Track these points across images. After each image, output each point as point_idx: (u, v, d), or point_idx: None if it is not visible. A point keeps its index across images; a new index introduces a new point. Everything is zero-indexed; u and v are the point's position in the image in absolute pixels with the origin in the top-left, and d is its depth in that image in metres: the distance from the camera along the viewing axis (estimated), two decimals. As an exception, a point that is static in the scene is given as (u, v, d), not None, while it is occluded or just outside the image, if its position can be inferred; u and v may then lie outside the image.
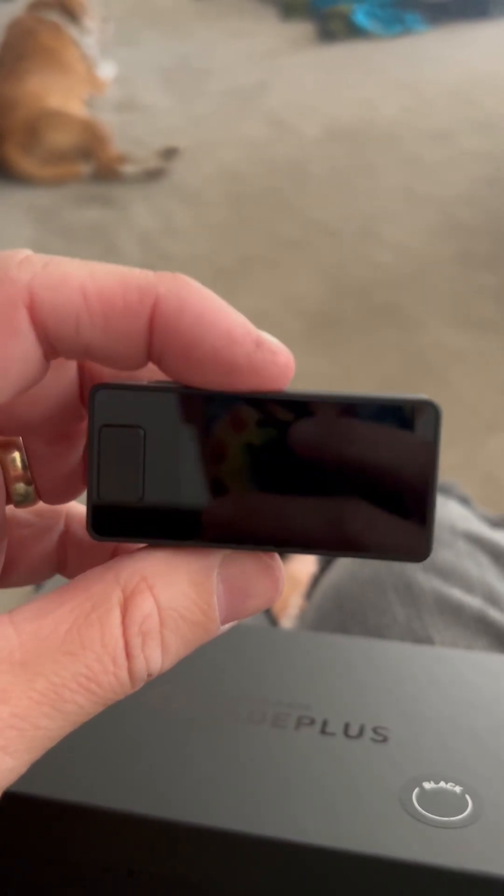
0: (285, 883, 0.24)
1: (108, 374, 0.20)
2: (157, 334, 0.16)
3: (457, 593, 0.42)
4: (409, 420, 0.17)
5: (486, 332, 1.39)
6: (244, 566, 0.17)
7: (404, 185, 1.81)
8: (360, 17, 2.58)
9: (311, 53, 2.52)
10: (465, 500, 0.52)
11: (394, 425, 0.17)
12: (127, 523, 0.17)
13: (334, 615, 0.43)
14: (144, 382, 0.18)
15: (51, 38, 2.07)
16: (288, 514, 0.17)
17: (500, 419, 1.22)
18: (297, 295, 1.50)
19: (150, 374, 0.18)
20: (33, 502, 0.21)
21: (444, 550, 0.45)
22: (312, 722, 0.28)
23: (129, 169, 1.90)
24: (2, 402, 0.17)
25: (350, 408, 0.17)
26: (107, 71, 2.30)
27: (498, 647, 0.40)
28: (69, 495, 0.22)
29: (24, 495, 0.21)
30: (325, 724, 0.28)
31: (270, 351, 0.16)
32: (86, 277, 0.16)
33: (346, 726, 0.27)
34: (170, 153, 1.95)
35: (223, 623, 0.17)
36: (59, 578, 0.23)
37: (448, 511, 0.49)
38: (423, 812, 0.24)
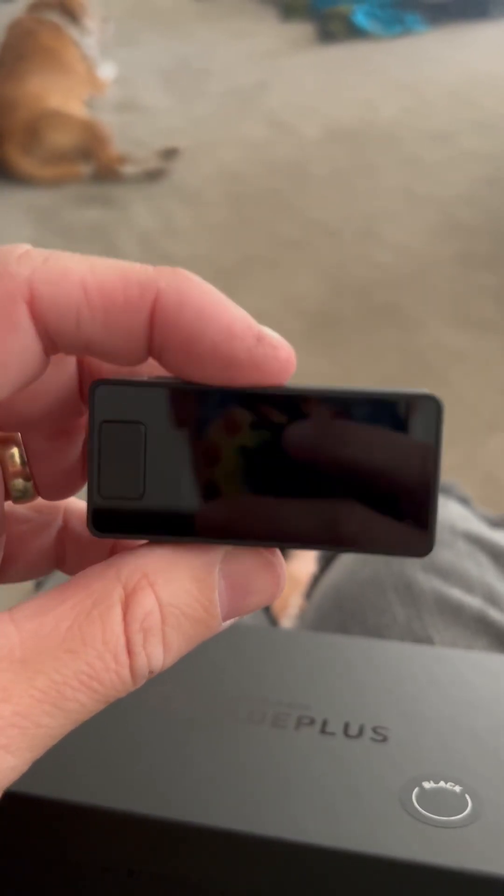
0: (285, 882, 0.24)
1: (107, 369, 0.19)
2: (158, 329, 0.16)
3: (457, 593, 0.42)
4: (411, 414, 0.16)
5: (486, 332, 1.39)
6: (246, 562, 0.17)
7: (404, 186, 1.81)
8: (360, 18, 2.58)
9: (311, 54, 2.52)
10: (465, 501, 0.52)
11: (396, 419, 0.17)
12: (127, 520, 0.17)
13: (334, 615, 0.43)
14: (145, 378, 0.18)
15: (51, 39, 2.07)
16: (290, 510, 0.17)
17: (500, 419, 1.22)
18: (297, 295, 1.50)
19: (151, 369, 0.18)
20: (32, 498, 0.21)
21: (444, 550, 0.45)
22: (312, 722, 0.28)
23: (129, 169, 1.90)
24: (1, 397, 0.17)
25: (352, 403, 0.17)
26: (107, 71, 2.30)
27: (498, 647, 0.40)
28: (68, 491, 0.22)
29: (22, 491, 0.21)
30: (324, 723, 0.28)
31: (271, 346, 0.16)
32: (86, 272, 0.16)
33: (346, 726, 0.27)
34: (170, 153, 1.95)
35: (225, 619, 0.17)
36: (60, 576, 0.23)
37: (448, 511, 0.49)
38: (423, 812, 0.24)
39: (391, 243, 1.63)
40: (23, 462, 0.21)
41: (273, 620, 0.51)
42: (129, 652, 0.16)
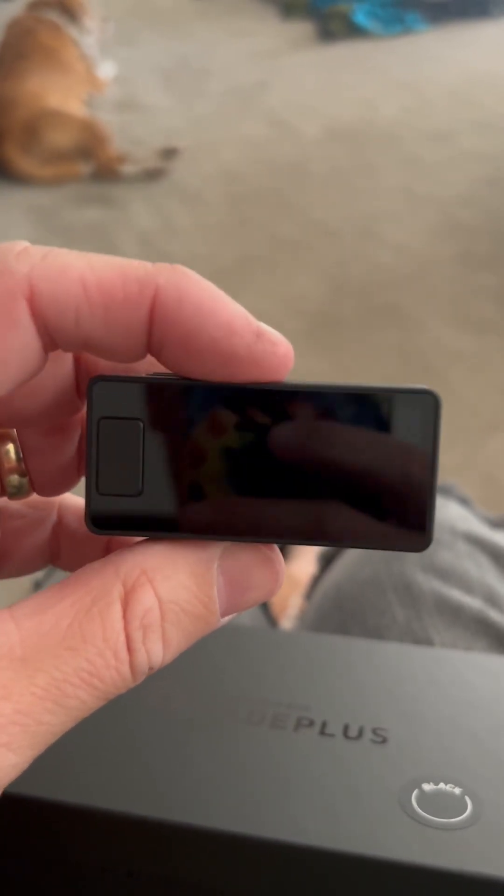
0: (284, 884, 0.24)
1: (104, 366, 0.19)
2: (157, 325, 0.16)
3: (456, 594, 0.42)
4: (410, 409, 0.17)
5: (486, 333, 1.39)
6: (244, 558, 0.17)
7: (404, 186, 1.81)
8: (361, 17, 2.57)
9: (312, 53, 2.52)
10: (464, 501, 0.52)
11: (395, 414, 0.17)
12: (126, 516, 0.17)
13: (334, 616, 0.43)
14: (143, 374, 0.17)
15: (50, 38, 2.06)
16: (288, 506, 0.17)
17: (500, 419, 1.22)
18: (297, 295, 1.50)
19: (149, 366, 0.18)
20: (27, 494, 0.21)
21: (444, 551, 0.45)
22: (312, 723, 0.28)
23: (128, 169, 1.90)
24: (2, 393, 0.17)
25: (351, 398, 0.17)
26: (106, 71, 2.30)
27: (497, 648, 0.40)
28: (63, 487, 0.22)
29: (17, 487, 0.21)
30: (324, 725, 0.27)
31: (270, 342, 0.16)
32: (85, 269, 0.16)
33: (346, 727, 0.27)
34: (169, 153, 1.95)
35: (223, 616, 0.17)
36: (60, 576, 0.23)
37: (448, 512, 0.49)
38: (423, 813, 0.24)
39: (391, 243, 1.63)
40: (18, 458, 0.21)
41: (273, 621, 0.51)
42: (129, 649, 0.16)
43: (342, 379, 1.38)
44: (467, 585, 0.43)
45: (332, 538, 0.17)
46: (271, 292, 1.51)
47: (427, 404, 0.17)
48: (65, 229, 1.76)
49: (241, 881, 0.25)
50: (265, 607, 0.51)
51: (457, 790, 0.25)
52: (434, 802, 0.25)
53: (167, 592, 0.16)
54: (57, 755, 0.21)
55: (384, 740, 0.27)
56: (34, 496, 0.22)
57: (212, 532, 0.17)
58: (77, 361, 0.20)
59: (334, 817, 0.24)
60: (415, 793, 0.25)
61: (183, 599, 0.16)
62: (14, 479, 0.21)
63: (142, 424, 0.17)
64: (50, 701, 0.15)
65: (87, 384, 0.17)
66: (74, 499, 0.23)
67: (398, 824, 0.24)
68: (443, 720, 0.28)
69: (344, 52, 2.49)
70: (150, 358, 0.17)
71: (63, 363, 0.20)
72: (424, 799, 0.25)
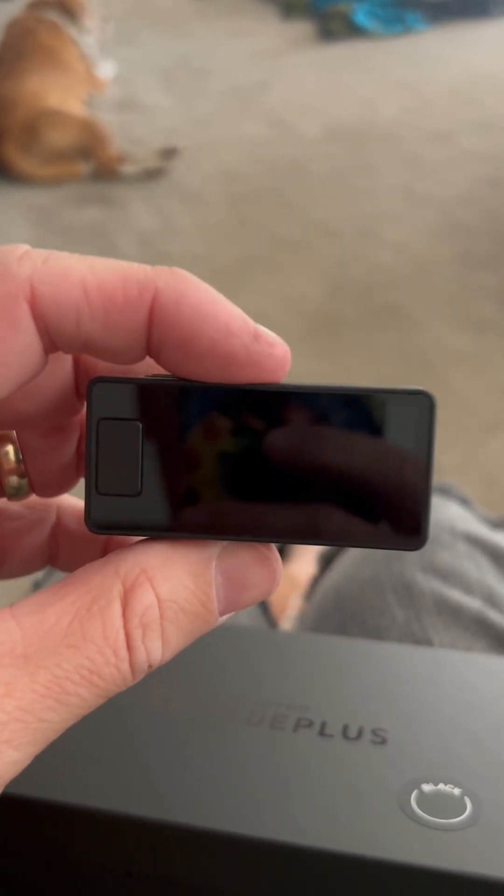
0: (283, 885, 0.24)
1: (103, 368, 0.20)
2: (156, 327, 0.16)
3: (456, 595, 0.42)
4: (406, 409, 0.17)
5: (486, 333, 1.39)
6: (241, 557, 0.17)
7: (404, 185, 1.81)
8: (361, 17, 2.57)
9: (312, 53, 2.51)
10: (464, 502, 0.52)
11: (391, 415, 0.17)
12: (125, 516, 0.17)
13: (333, 616, 0.43)
14: (142, 376, 0.18)
15: (50, 38, 2.06)
16: (285, 505, 0.17)
17: (500, 419, 1.22)
18: (297, 295, 1.50)
19: (147, 368, 0.18)
20: (26, 495, 0.21)
21: (444, 552, 0.45)
22: (311, 724, 0.28)
23: (128, 169, 1.90)
24: (3, 395, 0.17)
25: (346, 399, 0.17)
26: (106, 70, 2.30)
27: (497, 649, 0.40)
28: (62, 488, 0.22)
29: (16, 488, 0.21)
30: (323, 725, 0.27)
31: (268, 343, 0.17)
32: (86, 272, 0.16)
33: (345, 728, 0.27)
34: (169, 153, 1.95)
35: (221, 614, 0.17)
36: (60, 575, 0.23)
37: (448, 512, 0.49)
38: (422, 814, 0.24)
39: (391, 243, 1.63)
40: (17, 459, 0.21)
41: (272, 622, 0.51)
42: (129, 647, 0.16)
43: (342, 379, 1.38)
44: (467, 586, 0.43)
45: (327, 537, 0.17)
46: (271, 292, 1.51)
47: (422, 405, 0.17)
48: (64, 229, 1.76)
49: (240, 881, 0.25)
50: (265, 608, 0.51)
51: (456, 791, 0.25)
52: (433, 803, 0.25)
53: (166, 591, 0.17)
54: (57, 756, 0.21)
55: (383, 741, 0.27)
56: (33, 497, 0.22)
57: (210, 532, 0.17)
58: (76, 363, 0.20)
59: (333, 818, 0.24)
60: (414, 793, 0.25)
61: (182, 598, 0.17)
62: (13, 480, 0.21)
63: (141, 425, 0.17)
64: (51, 698, 0.16)
65: (87, 385, 0.17)
66: (72, 500, 0.23)
67: (397, 825, 0.24)
68: (442, 721, 0.28)
69: (344, 52, 2.49)
70: (148, 360, 0.17)
71: (63, 365, 0.20)
72: (424, 799, 0.25)
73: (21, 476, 0.21)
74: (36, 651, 0.16)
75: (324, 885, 0.24)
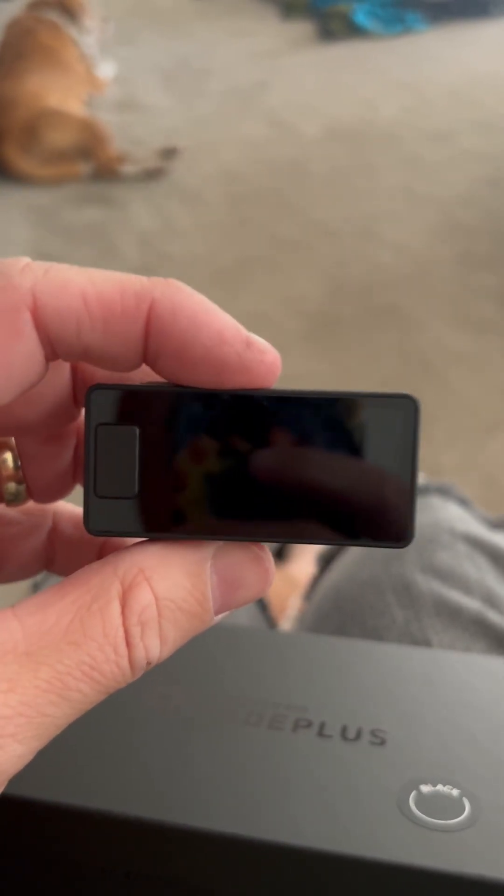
0: (281, 885, 0.24)
1: (101, 375, 0.20)
2: (153, 336, 0.17)
3: (455, 595, 0.42)
4: (391, 413, 0.18)
5: (486, 333, 1.39)
6: (235, 557, 0.18)
7: (404, 186, 1.81)
8: (361, 17, 2.58)
9: (312, 53, 2.52)
10: (464, 502, 0.52)
11: (376, 418, 0.18)
12: (122, 518, 0.18)
13: (333, 617, 0.43)
14: (138, 383, 0.18)
15: (50, 38, 2.06)
16: (276, 506, 0.18)
17: (500, 419, 1.22)
18: (297, 295, 1.50)
19: (143, 375, 0.19)
20: (24, 501, 0.22)
21: (443, 552, 0.45)
22: (310, 724, 0.28)
23: (128, 169, 1.90)
24: (5, 401, 0.17)
25: (333, 403, 0.18)
26: (106, 70, 2.30)
27: (496, 650, 0.40)
28: (60, 494, 0.22)
29: (15, 494, 0.22)
30: (322, 726, 0.28)
31: (259, 350, 0.17)
32: (85, 283, 0.17)
33: (344, 729, 0.27)
34: (169, 153, 1.95)
35: (217, 613, 0.18)
36: (57, 578, 0.23)
37: (447, 513, 0.49)
38: (421, 815, 0.24)
39: (391, 243, 1.63)
40: (16, 466, 0.21)
41: (272, 622, 0.51)
42: (128, 644, 0.17)
43: (342, 379, 1.38)
44: (466, 586, 0.43)
45: (316, 536, 0.18)
46: (271, 292, 1.52)
47: (407, 408, 0.18)
48: (64, 229, 1.76)
49: (239, 882, 0.25)
50: (264, 608, 0.51)
51: (455, 792, 0.25)
52: (432, 804, 0.25)
53: (163, 590, 0.17)
54: (56, 756, 0.21)
55: (382, 742, 0.27)
56: (30, 503, 0.22)
57: (204, 532, 0.18)
58: (75, 372, 0.21)
59: (332, 819, 0.24)
60: (413, 794, 0.25)
61: (179, 597, 0.17)
62: (12, 486, 0.21)
63: (137, 430, 0.18)
64: (54, 693, 0.16)
65: (86, 392, 0.18)
66: (68, 506, 0.23)
67: (396, 826, 0.24)
68: (441, 721, 0.28)
69: (344, 52, 2.49)
70: (144, 368, 0.18)
71: (62, 373, 0.20)
72: (422, 800, 0.25)
73: (19, 482, 0.22)
74: (38, 648, 0.16)
75: (322, 885, 0.24)
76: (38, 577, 0.48)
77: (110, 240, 1.72)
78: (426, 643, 0.40)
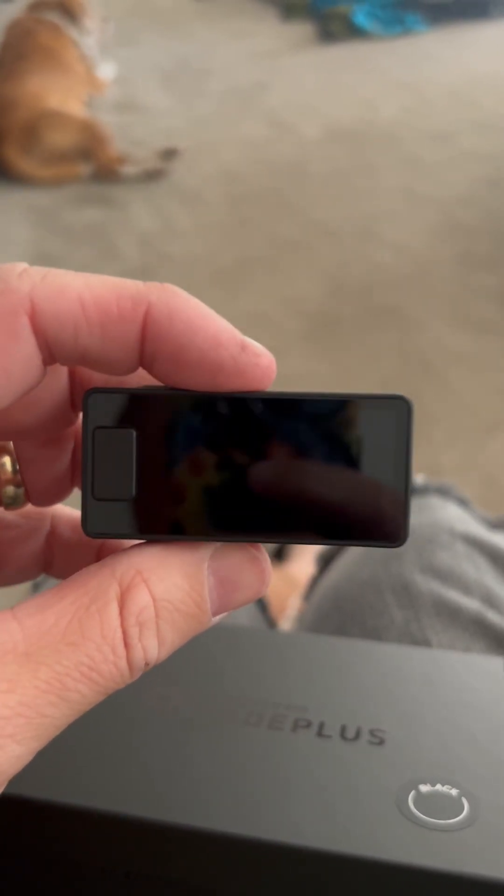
0: (281, 885, 0.24)
1: (98, 379, 0.20)
2: (149, 340, 0.17)
3: (455, 595, 0.42)
4: (385, 414, 0.18)
5: (486, 333, 1.39)
6: (232, 558, 0.18)
7: (404, 186, 1.81)
8: (361, 18, 2.58)
9: (312, 54, 2.52)
10: (463, 502, 0.52)
11: (370, 420, 0.18)
12: (120, 521, 0.18)
13: (332, 617, 0.43)
14: (135, 386, 0.18)
15: (50, 39, 2.07)
16: (272, 506, 0.18)
17: (500, 419, 1.22)
18: (297, 296, 1.50)
19: (140, 379, 0.19)
20: (22, 504, 0.22)
21: (443, 552, 0.45)
22: (309, 724, 0.28)
23: (128, 169, 1.90)
24: (3, 405, 0.17)
25: (327, 404, 0.18)
26: (106, 71, 2.30)
27: (496, 650, 0.40)
28: (58, 497, 0.22)
29: (13, 498, 0.22)
30: (321, 726, 0.28)
31: (254, 354, 0.17)
32: (82, 287, 0.17)
33: (343, 729, 0.27)
34: (169, 154, 1.95)
35: (215, 614, 0.18)
36: (56, 580, 0.23)
37: (446, 513, 0.49)
38: (420, 815, 0.24)
39: (391, 244, 1.63)
40: (14, 470, 0.21)
41: (271, 622, 0.51)
42: (126, 644, 0.17)
43: (342, 380, 1.38)
44: (465, 587, 0.43)
45: (313, 536, 0.18)
46: (271, 293, 1.52)
47: (400, 410, 0.18)
48: (65, 230, 1.76)
49: (238, 881, 0.25)
50: (264, 608, 0.51)
51: (453, 791, 0.25)
52: (431, 803, 0.25)
53: (161, 592, 0.17)
54: (57, 756, 0.21)
55: (381, 741, 0.27)
56: (28, 506, 0.22)
57: (201, 534, 0.18)
58: (72, 376, 0.21)
59: (331, 818, 0.24)
60: (412, 794, 0.25)
61: (176, 599, 0.17)
62: (10, 489, 0.22)
63: (134, 432, 0.18)
64: (53, 694, 0.16)
65: (83, 396, 0.18)
66: (66, 509, 0.23)
67: (395, 825, 0.24)
68: (440, 721, 0.28)
69: (344, 53, 2.49)
70: (141, 371, 0.18)
71: (59, 377, 0.20)
72: (421, 800, 0.25)
73: (17, 486, 0.22)
74: (37, 649, 0.16)
75: (321, 885, 0.24)
76: (39, 578, 0.48)
77: (110, 240, 1.72)
78: (425, 643, 0.40)
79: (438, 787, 0.25)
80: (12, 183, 1.91)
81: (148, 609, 0.17)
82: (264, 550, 0.19)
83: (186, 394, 0.18)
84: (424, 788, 0.25)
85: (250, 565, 0.18)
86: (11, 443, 0.22)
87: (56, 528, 0.23)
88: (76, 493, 0.21)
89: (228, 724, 0.28)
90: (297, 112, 2.15)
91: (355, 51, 2.50)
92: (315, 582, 0.51)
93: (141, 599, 0.17)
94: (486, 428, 1.21)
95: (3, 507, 0.22)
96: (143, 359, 0.18)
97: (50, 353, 0.17)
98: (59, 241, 1.72)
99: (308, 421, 0.18)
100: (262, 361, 0.17)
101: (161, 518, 0.18)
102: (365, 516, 0.18)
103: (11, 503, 0.22)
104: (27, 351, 0.17)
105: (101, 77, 2.26)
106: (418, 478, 0.53)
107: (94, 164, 1.91)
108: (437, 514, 0.48)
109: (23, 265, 0.17)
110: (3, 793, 0.17)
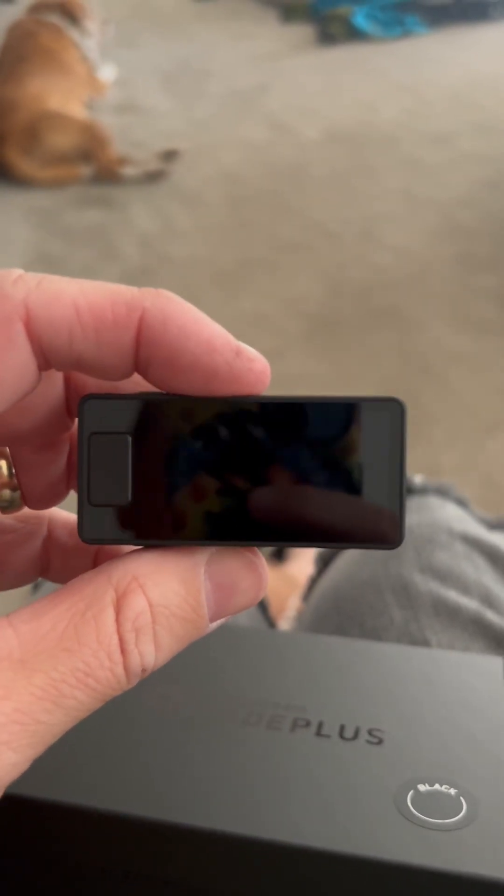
0: (280, 885, 0.24)
1: (93, 385, 0.20)
2: (144, 345, 0.17)
3: (454, 595, 0.42)
4: (378, 416, 0.18)
5: (486, 334, 1.39)
6: (229, 563, 0.18)
7: (404, 188, 1.81)
8: (360, 20, 2.58)
9: (312, 56, 2.52)
10: (462, 503, 0.52)
11: (364, 422, 0.18)
12: (116, 526, 0.18)
13: (332, 617, 0.43)
14: (130, 392, 0.19)
15: (51, 40, 2.07)
16: (267, 510, 0.18)
17: (499, 419, 1.22)
18: (297, 297, 1.50)
19: (134, 385, 0.19)
20: (18, 508, 0.22)
21: (442, 552, 0.45)
22: (308, 724, 0.28)
23: (129, 171, 1.90)
24: (0, 410, 0.17)
25: (320, 407, 0.18)
26: (107, 73, 2.30)
27: (494, 650, 0.40)
28: (54, 501, 0.22)
29: (9, 501, 0.22)
30: (320, 725, 0.28)
31: (248, 359, 0.17)
32: (77, 294, 0.17)
33: (342, 728, 0.28)
34: (170, 155, 1.96)
35: (212, 620, 0.18)
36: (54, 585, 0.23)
37: (445, 513, 0.49)
38: (418, 814, 0.24)
39: (391, 245, 1.63)
40: (10, 474, 0.22)
41: (271, 622, 0.51)
42: (123, 650, 0.17)
43: (342, 380, 1.38)
44: (464, 587, 0.43)
45: (310, 540, 0.18)
46: (271, 294, 1.52)
47: (394, 412, 0.18)
48: (65, 231, 1.76)
49: (237, 881, 0.25)
50: (263, 608, 0.51)
51: (452, 791, 0.25)
52: (429, 803, 0.25)
53: (157, 597, 0.17)
54: (56, 756, 0.21)
55: (380, 741, 0.27)
56: (25, 510, 0.22)
57: (197, 538, 0.18)
58: (67, 382, 0.21)
59: (330, 818, 0.24)
60: (410, 793, 0.25)
61: (173, 604, 0.17)
62: (6, 493, 0.22)
63: (130, 438, 0.18)
64: (48, 700, 0.16)
65: (79, 402, 0.18)
66: (63, 513, 0.24)
67: (393, 825, 0.24)
68: (439, 721, 0.28)
69: (344, 55, 2.49)
70: (136, 377, 0.18)
71: (54, 383, 0.20)
72: (420, 800, 0.25)
73: (14, 489, 0.22)
74: (32, 655, 0.16)
75: (320, 884, 0.24)
76: (39, 580, 0.48)
77: (111, 241, 1.72)
78: (425, 643, 0.40)
79: (437, 786, 0.25)
80: (13, 184, 1.91)
81: (144, 615, 0.17)
82: (261, 555, 0.19)
83: (181, 399, 0.18)
84: (423, 788, 0.25)
85: (247, 570, 0.18)
86: (7, 447, 0.22)
87: (53, 532, 0.23)
88: (73, 497, 0.21)
89: (228, 724, 0.28)
90: (297, 114, 2.15)
91: (355, 53, 2.50)
92: (314, 582, 0.51)
93: (137, 605, 0.17)
94: (485, 428, 1.21)
95: (0, 510, 0.22)
96: (138, 364, 0.18)
97: (45, 358, 0.17)
98: (59, 242, 1.72)
99: (302, 424, 0.18)
100: (256, 366, 0.17)
101: (157, 523, 0.18)
102: (361, 518, 0.18)
103: (8, 506, 0.22)
104: (22, 357, 0.17)
105: (102, 79, 2.26)
106: (417, 478, 0.53)
107: (95, 165, 1.92)
108: (435, 514, 0.48)
109: (18, 272, 0.17)
110: (3, 792, 0.17)
